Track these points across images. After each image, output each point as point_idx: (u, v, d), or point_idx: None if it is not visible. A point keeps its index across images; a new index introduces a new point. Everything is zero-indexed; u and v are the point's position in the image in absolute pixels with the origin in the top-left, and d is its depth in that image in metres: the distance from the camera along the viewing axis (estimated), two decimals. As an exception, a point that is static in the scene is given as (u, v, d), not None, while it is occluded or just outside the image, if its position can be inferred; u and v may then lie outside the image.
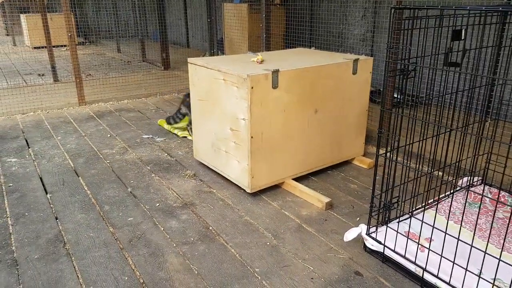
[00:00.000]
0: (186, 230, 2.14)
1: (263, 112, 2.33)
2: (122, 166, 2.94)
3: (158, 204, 2.41)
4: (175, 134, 3.56)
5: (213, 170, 2.79)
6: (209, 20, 5.32)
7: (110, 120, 4.03)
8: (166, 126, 3.69)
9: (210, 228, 2.16)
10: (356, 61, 2.70)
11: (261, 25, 4.14)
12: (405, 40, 1.78)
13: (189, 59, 2.72)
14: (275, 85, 2.34)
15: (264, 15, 4.10)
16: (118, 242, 2.04)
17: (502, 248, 1.56)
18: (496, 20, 2.11)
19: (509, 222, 1.48)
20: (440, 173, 2.62)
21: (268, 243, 2.03)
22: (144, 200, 2.45)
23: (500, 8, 1.41)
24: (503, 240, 1.90)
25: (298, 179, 2.65)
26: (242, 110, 2.31)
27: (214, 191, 2.57)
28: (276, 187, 2.60)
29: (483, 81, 2.31)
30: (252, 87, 2.24)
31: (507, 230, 1.51)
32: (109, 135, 3.58)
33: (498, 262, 1.49)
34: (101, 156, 3.12)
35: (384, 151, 1.87)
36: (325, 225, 2.20)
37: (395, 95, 3.77)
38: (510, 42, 2.29)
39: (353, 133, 2.87)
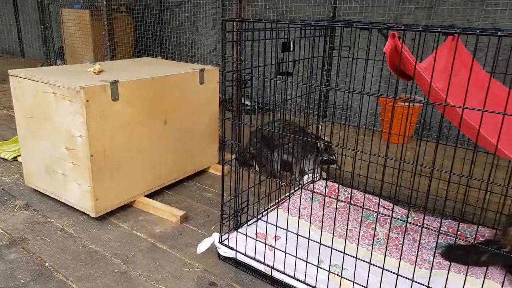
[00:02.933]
0: (15, 271, 1.82)
1: (104, 127, 2.15)
2: None
3: (-25, 246, 2.00)
4: (2, 158, 3.04)
5: (50, 196, 2.45)
6: (42, 26, 4.75)
7: None
8: (-9, 150, 3.13)
9: (46, 264, 1.88)
10: (202, 71, 2.71)
11: (103, 33, 3.87)
12: (239, 51, 1.84)
13: (10, 71, 2.35)
14: (115, 97, 2.18)
15: (106, 22, 3.84)
16: None
17: (332, 235, 1.72)
18: (319, 33, 2.35)
19: (335, 213, 1.64)
20: (286, 173, 2.81)
21: (116, 270, 1.86)
22: (-44, 244, 2.01)
23: (313, 23, 1.56)
24: (339, 229, 2.12)
25: (151, 195, 2.53)
26: (78, 126, 2.09)
27: (52, 220, 2.26)
28: (127, 207, 2.43)
29: (314, 88, 2.57)
30: (87, 100, 2.04)
31: (334, 218, 1.68)
32: None
33: (331, 250, 1.64)
34: None
35: (232, 158, 1.91)
36: (180, 240, 2.13)
37: (248, 103, 3.96)
38: (332, 53, 2.59)
39: (206, 142, 2.88)
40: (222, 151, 1.91)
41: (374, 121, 3.69)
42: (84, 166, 2.13)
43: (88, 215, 2.27)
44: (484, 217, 2.13)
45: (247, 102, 3.80)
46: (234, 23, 2.66)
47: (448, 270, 1.47)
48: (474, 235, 1.76)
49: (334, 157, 2.71)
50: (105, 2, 3.76)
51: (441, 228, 2.17)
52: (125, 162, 2.30)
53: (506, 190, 2.03)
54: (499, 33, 1.22)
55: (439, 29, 1.29)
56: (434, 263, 1.89)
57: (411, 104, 3.13)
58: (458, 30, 1.27)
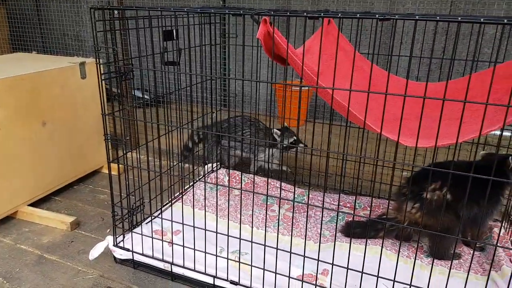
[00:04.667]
0: None
1: (-35, 133, 1.88)
2: None
3: None
4: None
5: None
6: None
7: None
8: None
9: None
10: (83, 64, 2.51)
11: (-35, 27, 3.37)
12: (115, 40, 1.73)
13: None
14: (-23, 99, 1.92)
15: (-33, 14, 3.35)
16: None
17: (228, 222, 1.73)
18: (203, 21, 2.31)
19: (228, 200, 1.65)
20: (186, 165, 2.76)
21: (-5, 292, 1.66)
22: None
23: (186, 10, 1.51)
24: (240, 215, 2.15)
25: (37, 204, 2.30)
26: None
27: None
28: (8, 219, 2.18)
29: (205, 77, 2.53)
30: None
31: (228, 206, 1.69)
32: None
33: (228, 237, 1.65)
34: None
35: (119, 156, 1.80)
36: (71, 248, 1.98)
37: (147, 97, 3.77)
38: (225, 41, 2.57)
39: (96, 140, 2.68)
40: (107, 148, 1.79)
41: (271, 107, 3.79)
42: None
43: (-43, 235, 1.99)
44: (372, 188, 2.33)
45: (141, 95, 3.63)
46: (115, 11, 2.50)
47: (334, 242, 1.57)
48: (354, 205, 1.91)
49: (296, 138, 2.59)
50: (-38, -10, 3.27)
51: (334, 203, 2.32)
52: (0, 171, 2.05)
53: (376, 162, 2.23)
54: (358, 15, 1.31)
55: (305, 13, 1.34)
56: (328, 236, 2.02)
57: (295, 88, 3.28)
58: (322, 14, 1.33)
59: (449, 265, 1.72)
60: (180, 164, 2.38)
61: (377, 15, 1.27)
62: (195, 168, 2.51)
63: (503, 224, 2.05)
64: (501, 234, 1.97)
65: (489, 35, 2.85)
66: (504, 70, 1.62)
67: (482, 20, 1.15)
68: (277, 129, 2.54)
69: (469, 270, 1.46)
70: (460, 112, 1.26)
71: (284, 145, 2.55)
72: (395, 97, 1.56)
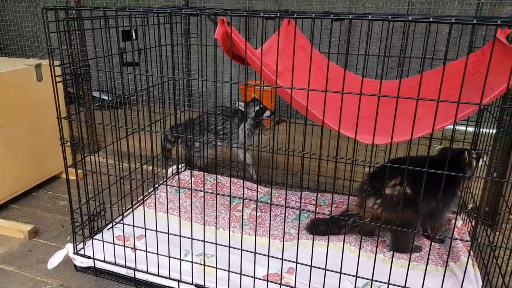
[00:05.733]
0: None
1: None
2: None
3: None
4: None
5: None
6: None
7: None
8: None
9: None
10: (39, 66, 2.41)
11: None
12: (69, 42, 1.67)
13: None
14: None
15: None
16: None
17: (191, 224, 1.70)
18: (164, 20, 2.27)
19: (191, 202, 1.63)
20: (149, 168, 2.71)
21: None
22: None
23: (141, 10, 1.48)
24: (206, 217, 2.12)
25: (-9, 213, 2.19)
26: None
27: None
28: (-40, 231, 2.07)
29: (166, 78, 2.49)
30: None
31: (191, 208, 1.67)
32: None
33: (191, 240, 1.62)
34: None
35: (81, 160, 1.75)
36: (29, 258, 1.90)
37: (106, 97, 3.67)
38: (182, 40, 2.54)
39: (56, 144, 2.56)
40: (64, 153, 1.73)
41: (231, 106, 3.78)
42: None
43: None
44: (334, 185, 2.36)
45: (104, 97, 3.53)
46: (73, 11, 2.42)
47: (298, 240, 1.58)
48: (316, 202, 1.92)
49: (263, 105, 2.51)
50: None
51: (298, 200, 2.34)
52: None
53: (336, 159, 2.27)
54: (313, 15, 1.32)
55: (261, 13, 1.34)
56: (294, 234, 2.03)
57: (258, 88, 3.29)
58: (278, 14, 1.34)
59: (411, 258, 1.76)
60: (142, 167, 2.33)
61: (331, 15, 1.28)
62: (159, 170, 2.46)
63: (461, 216, 2.13)
64: (459, 225, 2.04)
65: (445, 33, 2.95)
66: (456, 67, 1.68)
67: (431, 19, 1.19)
68: (241, 102, 2.51)
69: (427, 262, 1.50)
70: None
71: (252, 116, 2.50)
72: (352, 95, 1.59)
